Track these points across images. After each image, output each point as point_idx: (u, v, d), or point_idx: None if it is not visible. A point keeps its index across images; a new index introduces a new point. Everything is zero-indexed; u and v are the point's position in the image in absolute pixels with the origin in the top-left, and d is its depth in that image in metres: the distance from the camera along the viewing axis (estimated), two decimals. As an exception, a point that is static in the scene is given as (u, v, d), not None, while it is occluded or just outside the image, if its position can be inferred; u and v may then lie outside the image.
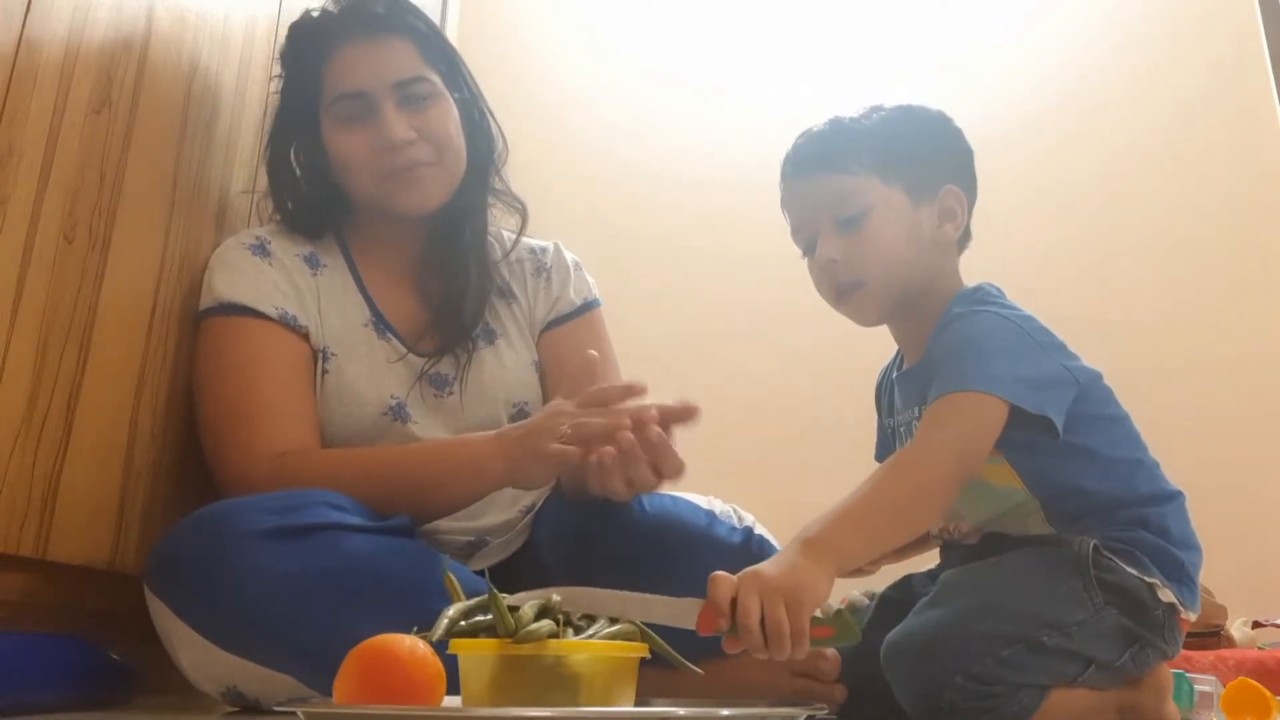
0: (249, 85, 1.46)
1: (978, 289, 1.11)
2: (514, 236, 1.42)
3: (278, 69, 1.36)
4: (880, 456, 1.22)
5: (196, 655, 0.99)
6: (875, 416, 1.25)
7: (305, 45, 1.30)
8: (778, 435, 2.37)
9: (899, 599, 1.16)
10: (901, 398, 1.16)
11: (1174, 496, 1.07)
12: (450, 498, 1.16)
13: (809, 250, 1.15)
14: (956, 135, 1.18)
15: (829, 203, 1.11)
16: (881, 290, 1.11)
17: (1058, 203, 2.46)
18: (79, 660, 1.06)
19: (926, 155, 1.14)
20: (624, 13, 2.75)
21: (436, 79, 1.30)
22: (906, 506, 0.93)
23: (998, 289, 1.12)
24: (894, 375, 1.19)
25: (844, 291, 1.11)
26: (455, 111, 1.31)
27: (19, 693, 0.95)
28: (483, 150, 1.36)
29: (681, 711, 0.75)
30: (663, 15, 2.74)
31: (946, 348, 1.03)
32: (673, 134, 2.64)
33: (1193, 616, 1.03)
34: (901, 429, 1.15)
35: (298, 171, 1.35)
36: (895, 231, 1.10)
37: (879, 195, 1.10)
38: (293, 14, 1.56)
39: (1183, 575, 1.03)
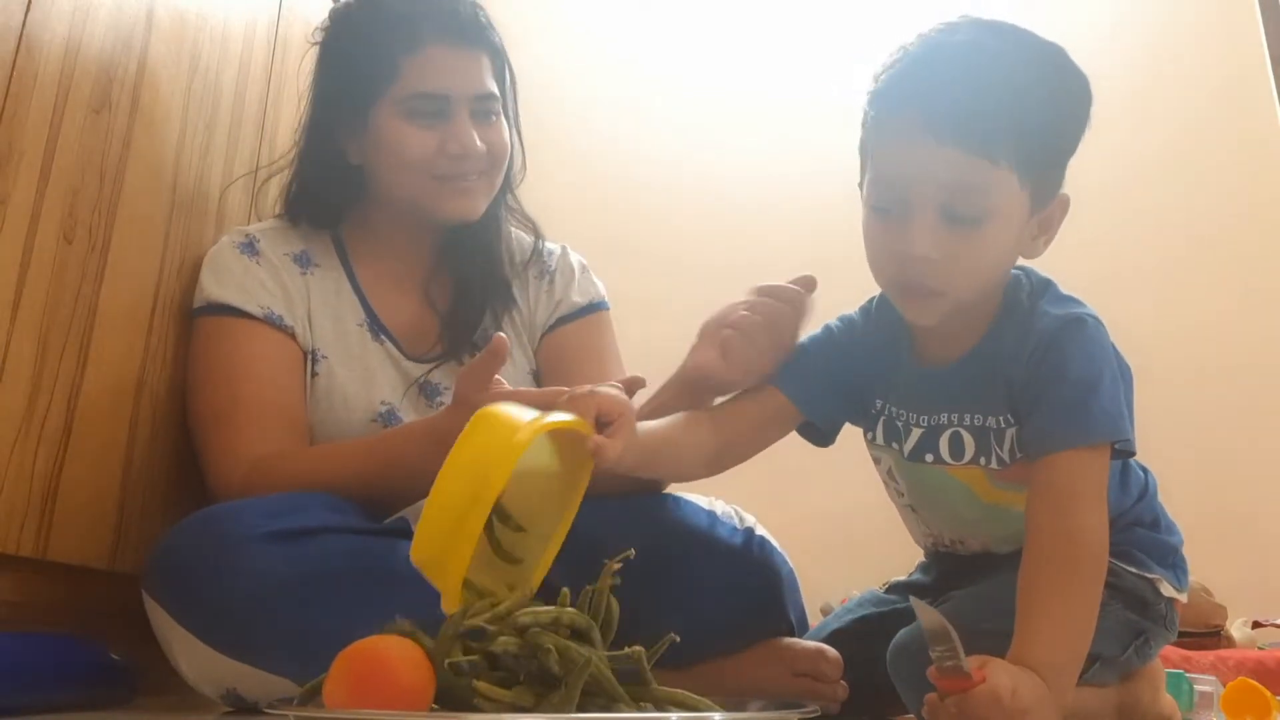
0: (249, 85, 1.46)
1: (1048, 283, 0.99)
2: (529, 244, 1.41)
3: (330, 33, 1.31)
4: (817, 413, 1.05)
5: (195, 658, 0.99)
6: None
7: (387, 23, 1.26)
8: (778, 435, 2.37)
9: (898, 602, 1.16)
10: (929, 395, 1.01)
11: (1149, 481, 1.07)
12: (423, 476, 1.13)
13: (887, 212, 0.92)
14: (1089, 117, 0.94)
15: (950, 185, 0.88)
16: (956, 302, 0.93)
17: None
18: (79, 660, 1.06)
19: (1066, 153, 0.94)
20: (621, 17, 2.74)
21: (499, 96, 1.31)
22: (1095, 602, 0.86)
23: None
24: (905, 361, 1.03)
25: (916, 292, 0.93)
26: (508, 129, 1.33)
27: (19, 693, 0.95)
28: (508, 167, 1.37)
29: (674, 716, 0.75)
30: (660, 20, 2.73)
31: (1062, 376, 0.91)
32: (671, 139, 2.62)
33: (1184, 598, 1.04)
34: (924, 428, 1.01)
35: (329, 148, 1.31)
36: (1005, 244, 0.93)
37: (1009, 198, 0.90)
38: (293, 14, 1.57)
39: (1176, 559, 1.04)
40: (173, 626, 0.99)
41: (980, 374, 0.97)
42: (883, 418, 1.04)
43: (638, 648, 0.76)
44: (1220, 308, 2.36)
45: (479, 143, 1.26)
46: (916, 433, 1.02)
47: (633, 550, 0.81)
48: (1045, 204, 0.93)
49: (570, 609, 0.76)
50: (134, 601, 1.03)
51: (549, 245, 1.44)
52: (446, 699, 0.71)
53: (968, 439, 0.99)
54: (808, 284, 1.08)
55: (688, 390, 1.08)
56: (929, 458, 1.01)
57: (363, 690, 0.69)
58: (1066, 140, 0.93)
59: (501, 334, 1.04)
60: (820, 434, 1.08)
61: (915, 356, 1.03)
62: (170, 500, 1.23)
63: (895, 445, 1.04)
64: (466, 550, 0.74)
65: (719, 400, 1.07)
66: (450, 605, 0.76)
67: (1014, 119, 0.88)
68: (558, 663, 0.71)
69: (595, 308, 1.41)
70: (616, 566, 0.80)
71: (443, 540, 0.75)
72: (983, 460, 0.99)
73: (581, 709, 0.71)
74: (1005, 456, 0.97)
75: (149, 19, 1.20)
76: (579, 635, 0.76)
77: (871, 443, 1.07)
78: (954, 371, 0.99)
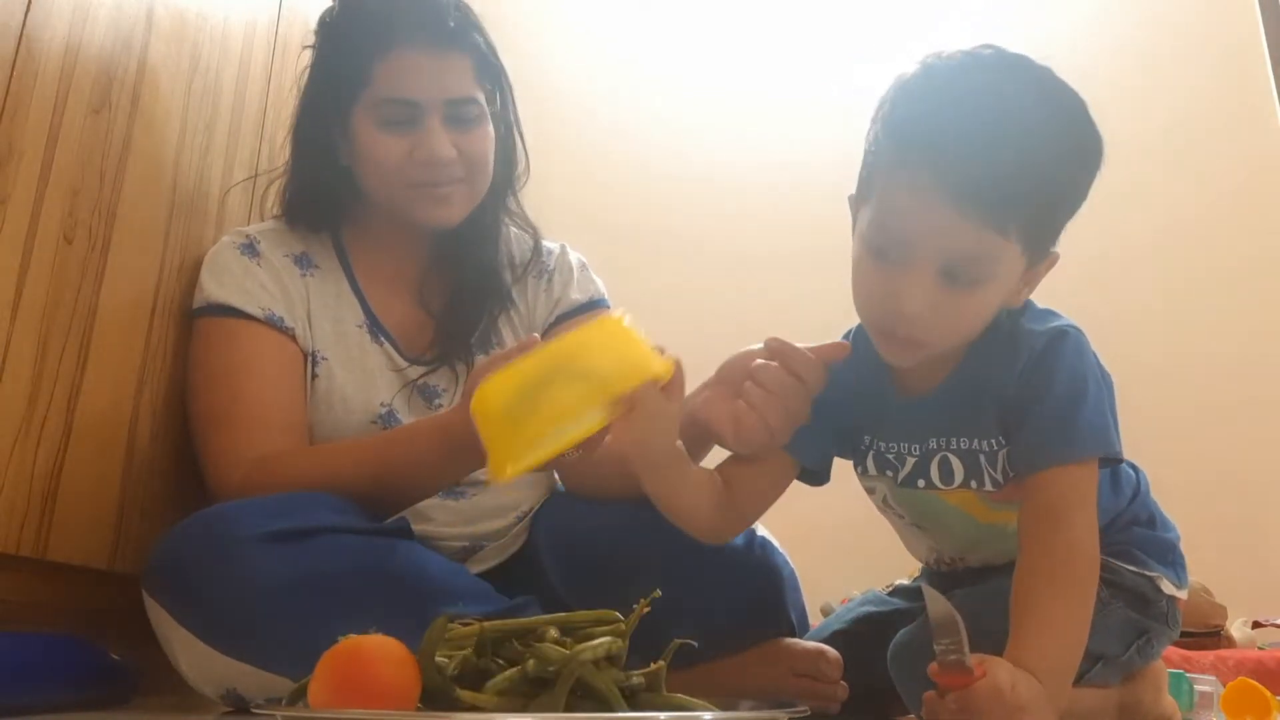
0: (249, 85, 1.46)
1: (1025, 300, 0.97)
2: (529, 246, 1.40)
3: (316, 37, 1.30)
4: (810, 459, 1.03)
5: (195, 658, 0.99)
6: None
7: (361, 27, 1.24)
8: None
9: (899, 603, 1.16)
10: (915, 424, 0.99)
11: (1141, 479, 1.07)
12: (430, 475, 1.14)
13: (884, 255, 0.89)
14: (1095, 178, 0.93)
15: (956, 250, 0.86)
16: (937, 351, 0.93)
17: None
18: (79, 660, 1.06)
19: (1069, 217, 0.92)
20: (621, 17, 2.74)
21: (483, 99, 1.27)
22: (1089, 609, 0.86)
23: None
24: (887, 394, 1.00)
25: (902, 341, 0.91)
26: (493, 133, 1.29)
27: (19, 693, 0.95)
28: (505, 170, 1.34)
29: (663, 716, 0.75)
30: (660, 20, 2.73)
31: (1048, 392, 0.90)
32: (671, 138, 2.63)
33: (1185, 595, 1.04)
34: (916, 456, 1.00)
35: (317, 151, 1.30)
36: (995, 303, 0.91)
37: (1009, 264, 0.88)
38: (293, 14, 1.57)
39: (1175, 556, 1.04)
40: (173, 626, 0.99)
41: (964, 398, 0.96)
42: (872, 452, 1.03)
43: (660, 663, 0.77)
44: (1221, 305, 2.37)
45: (450, 150, 1.23)
46: (910, 461, 1.01)
47: (659, 591, 0.78)
48: (1038, 263, 0.92)
49: (608, 639, 0.75)
50: (134, 601, 1.03)
51: (547, 244, 1.43)
52: (433, 699, 0.71)
53: (956, 463, 0.98)
54: (830, 354, 0.99)
55: (690, 429, 1.03)
56: (920, 483, 1.00)
57: (346, 690, 0.69)
58: (1074, 206, 0.92)
59: (535, 335, 1.03)
60: (815, 475, 1.06)
61: (897, 387, 1.01)
62: (170, 500, 1.23)
63: (889, 473, 1.02)
64: (550, 448, 0.79)
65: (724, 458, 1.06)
66: (498, 471, 0.81)
67: (1030, 192, 0.86)
68: (535, 665, 0.71)
69: (595, 305, 1.40)
70: (646, 609, 0.78)
71: (515, 407, 0.80)
72: (973, 484, 0.97)
73: (574, 710, 0.71)
74: (999, 477, 0.96)
75: (149, 19, 1.20)
76: (610, 660, 0.75)
77: (863, 475, 1.05)
78: (937, 398, 0.98)
